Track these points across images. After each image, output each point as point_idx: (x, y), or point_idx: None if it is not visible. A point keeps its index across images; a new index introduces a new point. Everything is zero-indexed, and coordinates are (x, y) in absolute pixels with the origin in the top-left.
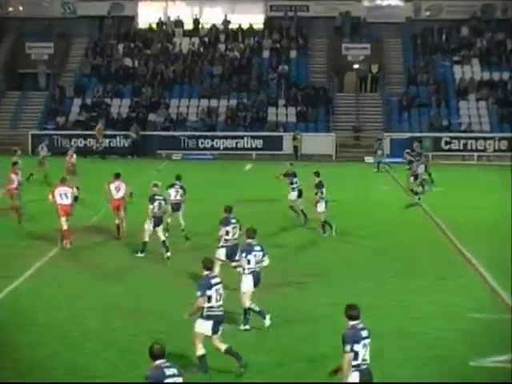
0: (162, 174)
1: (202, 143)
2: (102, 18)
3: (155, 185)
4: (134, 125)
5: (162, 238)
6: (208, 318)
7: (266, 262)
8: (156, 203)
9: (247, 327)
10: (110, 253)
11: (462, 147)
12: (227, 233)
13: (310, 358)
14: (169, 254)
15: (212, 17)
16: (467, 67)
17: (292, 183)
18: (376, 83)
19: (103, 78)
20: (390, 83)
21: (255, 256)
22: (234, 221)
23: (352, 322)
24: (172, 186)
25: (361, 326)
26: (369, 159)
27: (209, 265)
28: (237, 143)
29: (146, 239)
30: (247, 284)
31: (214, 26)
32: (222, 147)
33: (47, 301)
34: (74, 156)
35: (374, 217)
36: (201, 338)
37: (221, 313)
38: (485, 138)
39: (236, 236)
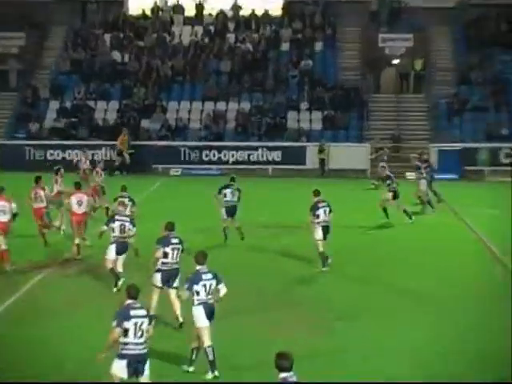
0: (157, 194)
1: (206, 155)
2: (85, 2)
3: (122, 203)
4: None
5: (119, 269)
6: (122, 356)
7: (223, 291)
8: (116, 224)
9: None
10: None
11: None
12: (166, 255)
13: None
14: (120, 282)
15: (219, 1)
16: None
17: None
18: (420, 82)
19: (86, 76)
20: (438, 82)
21: (205, 286)
22: (175, 241)
23: (283, 375)
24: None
25: (293, 379)
26: (411, 175)
27: (132, 293)
28: (249, 156)
29: (111, 265)
30: (199, 319)
31: (221, 12)
32: (231, 160)
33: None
34: (103, 175)
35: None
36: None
37: (139, 352)
38: None
39: (177, 259)
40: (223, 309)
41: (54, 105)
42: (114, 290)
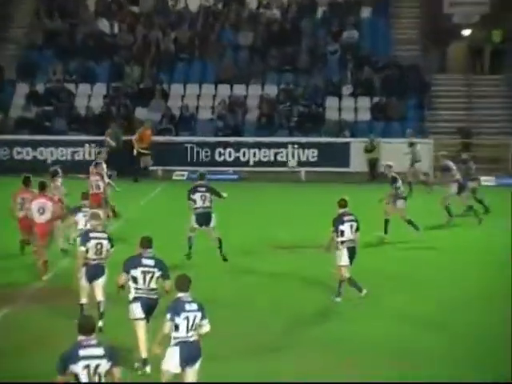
0: (154, 205)
1: (220, 155)
2: None
3: (95, 216)
4: (112, 125)
5: (99, 297)
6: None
7: (206, 329)
8: (91, 244)
9: None
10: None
11: None
12: (134, 280)
13: None
14: (100, 323)
15: None
16: None
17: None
18: (498, 60)
19: (63, 52)
20: None
21: (187, 319)
22: (148, 262)
23: (180, 294)
24: (79, 209)
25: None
26: (487, 180)
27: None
28: (276, 155)
29: (84, 300)
30: (170, 363)
31: None
32: (252, 161)
33: None
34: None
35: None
36: None
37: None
38: None
39: (153, 285)
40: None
41: (23, 88)
42: (100, 323)
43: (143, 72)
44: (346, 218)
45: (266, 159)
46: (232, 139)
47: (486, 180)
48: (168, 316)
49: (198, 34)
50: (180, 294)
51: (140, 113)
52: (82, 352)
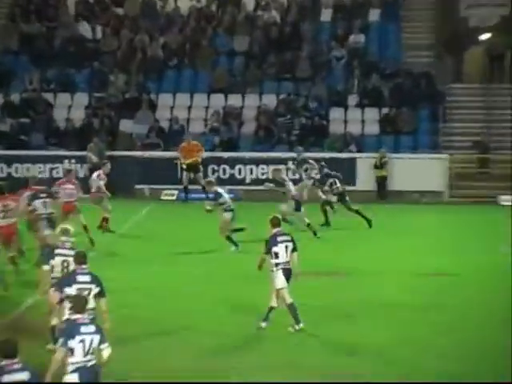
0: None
1: (213, 172)
2: None
3: (65, 231)
4: (94, 140)
5: (53, 323)
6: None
7: (107, 353)
8: (57, 260)
9: None
10: None
11: None
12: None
13: None
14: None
15: None
16: None
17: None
18: None
19: (41, 58)
20: None
21: (83, 342)
22: (84, 279)
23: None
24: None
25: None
26: (506, 200)
27: None
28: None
29: (55, 321)
30: None
31: None
32: (248, 179)
33: None
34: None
35: None
36: None
37: None
38: None
39: (90, 304)
40: None
41: None
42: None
43: (129, 80)
44: (279, 239)
45: (264, 177)
46: (226, 154)
47: (505, 200)
48: (61, 341)
49: (188, 39)
50: (75, 316)
51: (125, 125)
52: (5, 378)
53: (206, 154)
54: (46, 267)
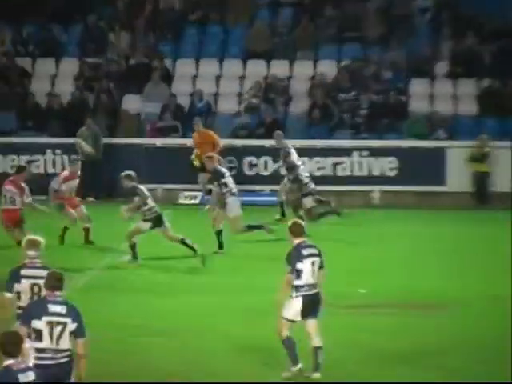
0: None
1: (251, 166)
2: None
3: (32, 244)
4: (87, 122)
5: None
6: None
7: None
8: (25, 284)
9: None
10: None
11: None
12: (38, 335)
13: None
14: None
15: None
16: None
17: None
18: None
19: (15, 11)
20: None
21: (28, 377)
22: (56, 309)
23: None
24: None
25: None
26: None
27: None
28: (335, 166)
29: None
30: None
31: None
32: None
33: None
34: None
35: None
36: None
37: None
38: None
39: (63, 345)
40: None
41: None
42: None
43: (134, 41)
44: (305, 252)
45: (320, 173)
46: (269, 143)
47: None
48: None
49: None
50: (10, 361)
51: (130, 103)
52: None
53: (240, 143)
54: (7, 295)
